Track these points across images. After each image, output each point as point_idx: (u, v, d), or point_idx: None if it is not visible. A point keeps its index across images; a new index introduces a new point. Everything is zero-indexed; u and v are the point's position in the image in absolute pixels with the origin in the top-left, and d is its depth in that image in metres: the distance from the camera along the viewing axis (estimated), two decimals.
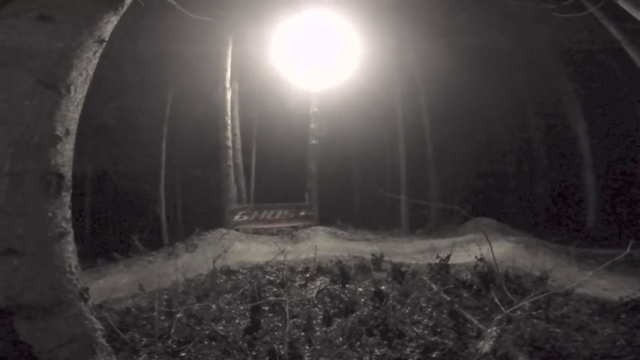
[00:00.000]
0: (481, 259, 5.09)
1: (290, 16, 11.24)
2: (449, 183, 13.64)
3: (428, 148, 13.38)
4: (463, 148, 13.62)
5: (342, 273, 5.27)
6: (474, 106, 13.07)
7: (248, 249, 8.11)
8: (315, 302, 4.49)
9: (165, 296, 4.55)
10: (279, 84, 12.44)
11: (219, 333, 3.71)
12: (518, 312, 3.82)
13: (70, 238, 2.21)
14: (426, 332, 3.67)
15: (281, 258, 5.45)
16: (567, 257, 6.54)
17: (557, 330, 3.48)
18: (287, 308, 3.95)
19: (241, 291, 4.75)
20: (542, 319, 3.74)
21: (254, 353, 3.42)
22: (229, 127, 11.51)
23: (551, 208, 12.65)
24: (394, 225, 12.45)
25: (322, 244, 7.87)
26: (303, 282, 5.26)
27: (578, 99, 11.96)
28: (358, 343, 3.52)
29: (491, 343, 3.30)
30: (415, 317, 3.95)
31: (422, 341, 3.48)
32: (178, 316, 3.98)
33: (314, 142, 11.63)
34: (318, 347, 3.49)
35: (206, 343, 3.57)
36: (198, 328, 3.79)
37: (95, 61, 2.36)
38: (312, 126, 11.66)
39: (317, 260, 5.81)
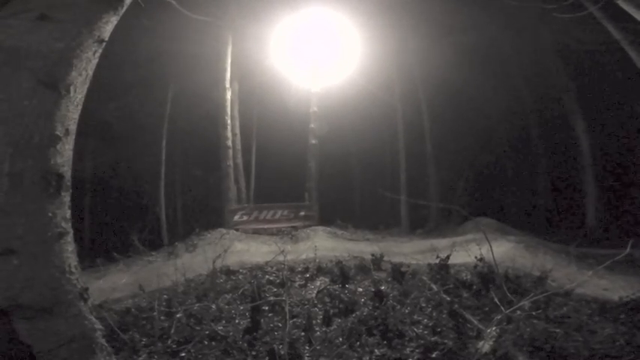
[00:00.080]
0: (481, 259, 5.09)
1: (289, 15, 11.23)
2: (449, 182, 13.65)
3: (428, 148, 13.38)
4: (463, 147, 13.63)
5: (341, 273, 5.27)
6: (474, 106, 13.08)
7: (248, 249, 8.11)
8: (315, 302, 4.49)
9: (165, 296, 4.55)
10: (279, 83, 12.43)
11: (219, 333, 3.71)
12: (518, 312, 3.82)
13: (70, 238, 2.21)
14: (425, 332, 3.67)
15: (281, 258, 5.45)
16: (567, 257, 6.54)
17: (557, 330, 3.48)
18: (287, 308, 3.95)
19: (241, 291, 4.75)
20: (542, 319, 3.75)
21: (254, 353, 3.42)
22: (229, 127, 11.50)
23: (551, 207, 12.66)
24: (394, 225, 12.46)
25: (322, 244, 7.87)
26: (303, 282, 5.26)
27: (578, 98, 11.96)
28: (358, 343, 3.52)
29: (491, 343, 3.30)
30: (415, 317, 3.95)
31: (422, 341, 3.48)
32: (178, 316, 3.98)
33: (314, 141, 11.62)
34: (318, 347, 3.49)
35: (206, 343, 3.57)
36: (198, 328, 3.79)
37: (95, 61, 2.36)
38: (312, 125, 11.65)
39: (317, 260, 5.82)
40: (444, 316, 3.95)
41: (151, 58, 11.98)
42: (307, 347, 3.54)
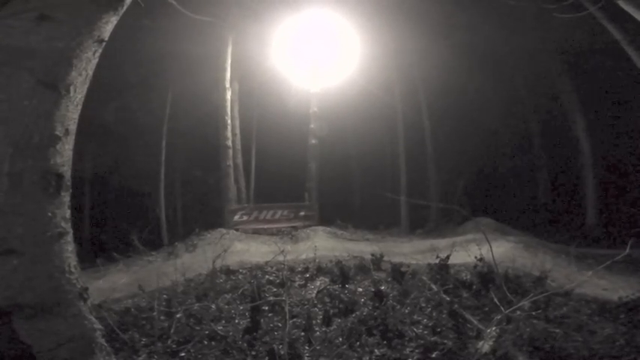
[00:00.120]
0: (481, 259, 5.09)
1: (290, 16, 11.24)
2: (449, 183, 13.65)
3: (428, 148, 13.39)
4: (463, 147, 13.63)
5: (341, 273, 5.26)
6: (474, 106, 13.08)
7: (248, 249, 8.11)
8: (315, 302, 4.49)
9: (164, 296, 4.55)
10: (279, 84, 12.44)
11: (218, 333, 3.71)
12: (518, 312, 3.82)
13: (70, 237, 2.21)
14: (425, 332, 3.67)
15: (281, 258, 5.45)
16: (567, 257, 6.54)
17: (557, 330, 3.48)
18: (287, 308, 3.95)
19: (241, 291, 4.75)
20: (542, 319, 3.75)
21: (254, 353, 3.42)
22: (229, 127, 11.51)
23: (551, 207, 12.66)
24: (394, 225, 12.46)
25: (322, 244, 7.87)
26: (303, 282, 5.25)
27: (577, 99, 11.96)
28: (358, 343, 3.52)
29: (490, 343, 3.30)
30: (415, 317, 3.95)
31: (421, 341, 3.48)
32: (178, 316, 3.98)
33: (314, 141, 11.63)
34: (317, 347, 3.49)
35: (206, 343, 3.57)
36: (197, 328, 3.79)
37: (95, 61, 2.36)
38: (312, 126, 11.66)
39: (317, 260, 5.81)
40: (443, 316, 3.95)
41: (151, 58, 11.99)
42: (307, 347, 3.54)
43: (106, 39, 2.39)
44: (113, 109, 12.67)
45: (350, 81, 12.28)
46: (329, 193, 12.93)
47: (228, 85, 11.60)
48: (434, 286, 4.58)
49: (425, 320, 3.91)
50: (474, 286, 4.68)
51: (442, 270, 5.15)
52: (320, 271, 5.54)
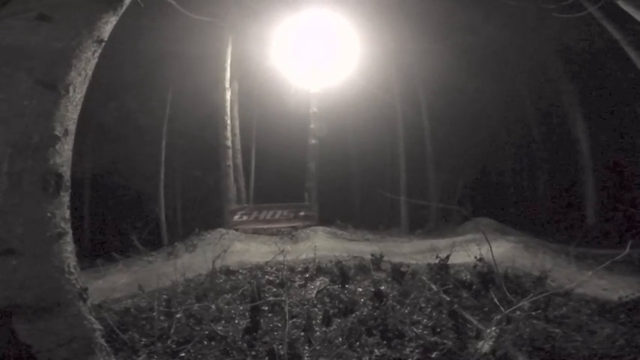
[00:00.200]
0: (480, 259, 5.09)
1: (289, 16, 11.24)
2: (449, 183, 13.65)
3: (427, 148, 13.40)
4: (463, 148, 13.64)
5: (341, 273, 5.26)
6: (474, 106, 13.09)
7: (247, 249, 8.11)
8: (315, 302, 4.49)
9: (164, 296, 4.54)
10: (279, 84, 12.44)
11: (218, 333, 3.70)
12: (518, 312, 3.82)
13: (69, 238, 2.21)
14: (425, 332, 3.67)
15: (280, 258, 5.45)
16: (567, 257, 6.54)
17: (557, 330, 3.48)
18: (286, 308, 3.95)
19: (241, 291, 4.74)
20: (542, 319, 3.74)
21: (253, 353, 3.42)
22: (229, 127, 11.50)
23: (551, 208, 12.67)
24: (394, 225, 12.46)
25: (322, 244, 7.87)
26: (303, 282, 5.25)
27: (577, 99, 11.97)
28: (358, 343, 3.51)
29: (490, 343, 3.30)
30: (415, 317, 3.95)
31: (421, 341, 3.48)
32: (178, 316, 3.97)
33: (314, 141, 11.63)
34: (317, 347, 3.49)
35: (205, 343, 3.57)
36: (197, 328, 3.79)
37: (94, 61, 2.36)
38: (311, 126, 11.66)
39: (316, 260, 5.81)
40: (443, 316, 3.95)
41: (151, 58, 11.99)
42: (307, 347, 3.53)
43: (106, 39, 2.39)
44: (113, 109, 12.67)
45: (350, 81, 12.28)
46: (329, 193, 12.94)
47: (227, 85, 11.60)
48: (434, 286, 4.57)
49: (425, 320, 3.90)
50: (474, 286, 4.68)
51: (442, 270, 5.15)
52: (320, 271, 5.53)
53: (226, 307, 4.38)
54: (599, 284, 5.05)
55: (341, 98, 12.57)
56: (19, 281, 1.95)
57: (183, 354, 3.37)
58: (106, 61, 2.77)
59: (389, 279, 5.13)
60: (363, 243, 9.09)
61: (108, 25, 2.38)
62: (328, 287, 4.91)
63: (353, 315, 4.08)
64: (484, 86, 12.88)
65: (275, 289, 4.91)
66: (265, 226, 10.37)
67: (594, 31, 9.01)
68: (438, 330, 3.68)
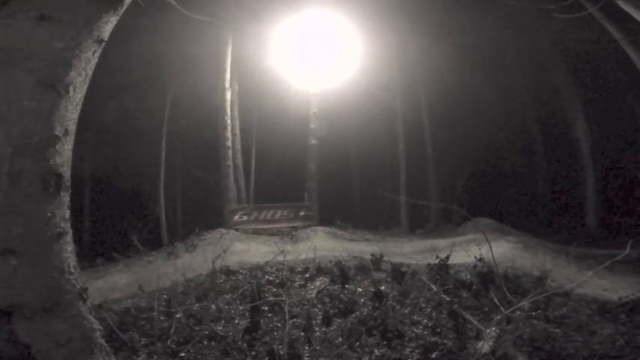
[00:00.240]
0: (480, 260, 5.09)
1: (290, 16, 11.23)
2: (448, 183, 13.65)
3: (428, 148, 13.38)
4: (463, 148, 13.63)
5: (341, 273, 5.26)
6: (474, 106, 13.09)
7: (247, 249, 8.11)
8: (315, 302, 4.49)
9: (164, 296, 4.55)
10: (279, 84, 12.43)
11: (218, 333, 3.71)
12: (518, 312, 3.82)
13: (69, 238, 2.21)
14: (425, 332, 3.67)
15: (280, 258, 5.45)
16: (567, 257, 6.53)
17: (557, 330, 3.48)
18: (286, 308, 3.95)
19: (241, 291, 4.75)
20: (542, 319, 3.74)
21: (253, 353, 3.42)
22: (229, 127, 11.50)
23: (551, 208, 12.66)
24: (394, 225, 12.45)
25: (322, 245, 7.87)
26: (303, 282, 5.25)
27: (578, 99, 11.97)
28: (358, 343, 3.52)
29: (490, 343, 3.30)
30: (415, 317, 3.95)
31: (421, 341, 3.48)
32: (178, 316, 3.98)
33: (314, 142, 11.62)
34: (317, 347, 3.49)
35: (205, 343, 3.57)
36: (197, 328, 3.79)
37: (94, 61, 2.36)
38: (312, 126, 11.65)
39: (316, 260, 5.81)
40: (443, 316, 3.95)
41: (151, 59, 12.00)
42: (307, 347, 3.54)
43: (106, 39, 2.39)
44: (113, 109, 12.67)
45: (350, 81, 12.28)
46: (329, 193, 12.93)
47: (227, 85, 11.60)
48: (434, 287, 4.57)
49: (425, 320, 3.90)
50: (474, 287, 4.68)
51: (442, 270, 5.15)
52: (320, 271, 5.53)
53: (226, 307, 4.38)
54: (599, 284, 5.05)
55: (341, 98, 12.56)
56: (19, 281, 1.95)
57: (183, 354, 3.37)
58: (106, 61, 2.77)
59: (389, 279, 5.13)
60: (363, 243, 9.09)
61: (108, 25, 2.38)
62: (328, 287, 4.91)
63: (353, 315, 4.08)
64: (484, 86, 12.87)
65: (275, 289, 4.91)
66: (265, 226, 10.36)
67: (594, 31, 9.01)
68: (438, 330, 3.68)
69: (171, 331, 3.66)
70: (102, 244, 10.33)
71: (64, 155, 2.19)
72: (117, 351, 3.31)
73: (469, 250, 5.62)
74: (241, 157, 12.61)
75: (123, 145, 13.10)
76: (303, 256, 6.19)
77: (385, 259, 5.85)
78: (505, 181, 14.02)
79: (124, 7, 2.47)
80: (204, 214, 12.67)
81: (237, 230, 9.90)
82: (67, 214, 2.22)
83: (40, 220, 2.06)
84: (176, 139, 13.83)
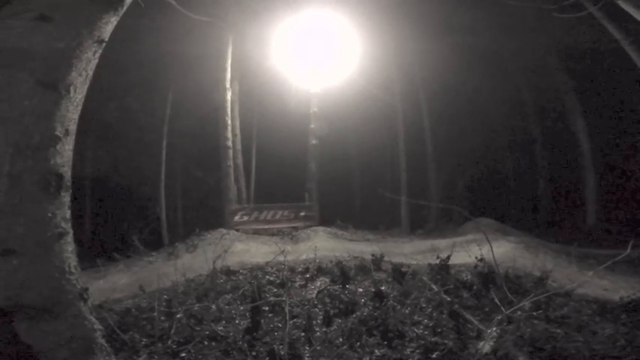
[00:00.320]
0: (481, 260, 5.09)
1: (290, 16, 11.24)
2: (449, 183, 13.66)
3: (428, 148, 13.39)
4: (463, 148, 13.63)
5: (342, 273, 5.26)
6: (474, 106, 13.09)
7: (248, 249, 8.11)
8: (315, 302, 4.48)
9: (165, 296, 4.54)
10: (280, 84, 12.44)
11: (219, 333, 3.70)
12: (519, 312, 3.81)
13: (70, 238, 2.21)
14: (426, 333, 3.66)
15: (281, 258, 5.44)
16: (568, 257, 6.53)
17: (558, 330, 3.47)
18: (287, 308, 3.95)
19: (241, 291, 4.74)
20: (543, 319, 3.74)
21: (254, 353, 3.42)
22: (229, 127, 11.51)
23: (552, 208, 12.65)
24: (394, 225, 12.45)
25: (322, 245, 7.87)
26: (303, 282, 5.25)
27: (578, 99, 11.96)
28: (358, 343, 3.51)
29: (491, 343, 3.30)
30: (415, 318, 3.94)
31: (422, 342, 3.47)
32: (178, 316, 3.98)
33: (314, 141, 11.63)
34: (318, 348, 3.49)
35: (206, 343, 3.57)
36: (198, 328, 3.79)
37: (95, 62, 2.36)
38: (312, 126, 11.66)
39: (317, 260, 5.81)
40: (444, 316, 3.94)
41: (151, 59, 12.00)
42: (307, 348, 3.53)
43: (106, 39, 2.39)
44: (113, 109, 12.68)
45: (350, 81, 12.28)
46: (329, 193, 12.94)
47: (228, 85, 11.60)
48: (434, 287, 4.57)
49: (425, 320, 3.90)
50: (475, 287, 4.67)
51: (443, 270, 5.14)
52: (320, 271, 5.53)
53: (227, 307, 4.38)
54: (600, 284, 5.04)
55: (341, 98, 12.57)
56: (19, 281, 1.95)
57: (183, 354, 3.37)
58: (107, 61, 2.77)
59: (389, 279, 5.12)
60: (363, 243, 9.09)
61: (109, 26, 2.38)
62: (329, 287, 4.91)
63: (353, 315, 4.08)
64: (484, 86, 12.87)
65: (275, 290, 4.91)
66: (266, 227, 10.37)
67: (594, 30, 9.00)
68: (439, 330, 3.68)
69: (172, 332, 3.66)
70: (102, 244, 10.34)
71: (64, 155, 2.19)
72: (117, 351, 3.31)
73: (470, 250, 5.61)
74: (242, 157, 12.62)
75: (123, 145, 13.10)
76: (304, 257, 6.18)
77: (386, 259, 5.84)
78: (506, 181, 14.02)
79: (125, 8, 2.47)
80: (204, 214, 12.68)
81: (237, 230, 9.91)
82: (68, 214, 2.22)
83: (41, 221, 2.06)
84: (177, 139, 13.84)
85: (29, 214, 2.02)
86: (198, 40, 11.19)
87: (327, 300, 4.54)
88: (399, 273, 5.15)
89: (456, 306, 4.07)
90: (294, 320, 3.99)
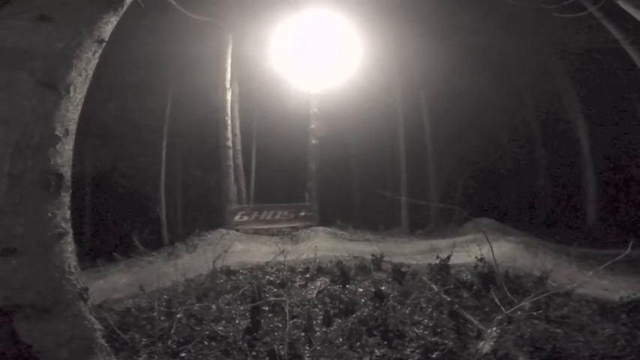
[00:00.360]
0: (481, 260, 5.09)
1: (290, 16, 11.24)
2: (449, 183, 13.65)
3: (428, 148, 13.39)
4: (463, 148, 13.62)
5: (342, 273, 5.26)
6: (475, 106, 13.09)
7: (248, 249, 8.11)
8: (315, 302, 4.48)
9: (165, 296, 4.54)
10: (280, 84, 12.43)
11: (219, 333, 3.70)
12: (519, 312, 3.81)
13: (70, 238, 2.20)
14: (426, 333, 3.66)
15: (281, 258, 5.45)
16: (567, 257, 6.53)
17: (558, 330, 3.47)
18: (287, 308, 3.95)
19: (241, 291, 4.75)
20: (543, 319, 3.74)
21: (254, 353, 3.42)
22: (229, 128, 11.51)
23: (552, 208, 12.66)
24: (394, 225, 12.44)
25: (322, 245, 7.87)
26: (303, 282, 5.25)
27: (578, 99, 11.96)
28: (358, 343, 3.51)
29: (491, 343, 3.30)
30: (415, 318, 3.94)
31: (422, 342, 3.47)
32: (178, 316, 3.98)
33: (314, 142, 11.63)
34: (318, 348, 3.49)
35: (206, 343, 3.57)
36: (198, 328, 3.79)
37: (95, 61, 2.35)
38: (312, 126, 11.66)
39: (317, 260, 5.81)
40: (444, 316, 3.94)
41: (151, 59, 11.99)
42: (307, 348, 3.53)
43: (106, 39, 2.39)
44: (113, 109, 12.68)
45: (350, 81, 12.28)
46: (329, 193, 12.93)
47: (228, 85, 11.60)
48: (434, 287, 4.57)
49: (425, 320, 3.90)
50: (475, 287, 4.67)
51: (443, 270, 5.15)
52: (320, 271, 5.53)
53: (227, 307, 4.38)
54: (600, 284, 5.05)
55: (341, 99, 12.56)
56: (19, 281, 1.95)
57: (183, 354, 3.37)
58: (107, 61, 2.77)
59: (389, 279, 5.13)
60: (363, 243, 9.09)
61: (108, 26, 2.37)
62: (329, 287, 4.91)
63: (353, 315, 4.08)
64: (485, 86, 12.87)
65: (275, 290, 4.91)
66: (266, 227, 10.37)
67: (594, 31, 9.00)
68: (439, 330, 3.68)
69: (172, 331, 3.66)
70: (102, 244, 10.34)
71: (64, 155, 2.19)
72: (117, 351, 3.31)
73: (470, 250, 5.62)
74: (242, 157, 12.61)
75: (123, 145, 13.10)
76: (304, 257, 6.18)
77: (386, 259, 5.85)
78: (506, 181, 14.02)
79: (125, 8, 2.47)
80: (204, 214, 12.68)
81: (237, 230, 9.92)
82: (68, 214, 2.22)
83: (41, 221, 2.06)
84: (177, 139, 13.83)
85: (29, 214, 2.01)
86: (198, 40, 11.19)
87: (327, 300, 4.54)
88: (399, 273, 5.15)
89: (456, 306, 4.07)
90: (294, 320, 3.99)
